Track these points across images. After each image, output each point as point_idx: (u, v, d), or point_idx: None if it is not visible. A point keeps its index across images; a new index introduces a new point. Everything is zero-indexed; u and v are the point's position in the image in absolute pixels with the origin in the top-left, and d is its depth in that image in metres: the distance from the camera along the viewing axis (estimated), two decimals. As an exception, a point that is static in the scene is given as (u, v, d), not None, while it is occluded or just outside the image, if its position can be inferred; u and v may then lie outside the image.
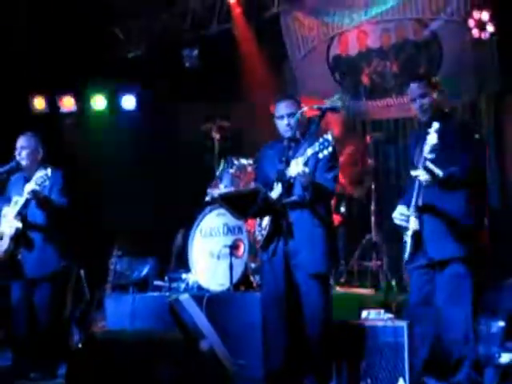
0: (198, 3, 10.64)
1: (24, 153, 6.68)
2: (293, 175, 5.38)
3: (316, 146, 5.19)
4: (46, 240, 6.62)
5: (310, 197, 5.50)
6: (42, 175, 6.25)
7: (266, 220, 5.68)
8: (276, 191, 5.56)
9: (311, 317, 5.54)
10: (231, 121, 8.58)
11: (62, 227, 6.72)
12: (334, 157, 5.56)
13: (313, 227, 5.58)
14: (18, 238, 6.50)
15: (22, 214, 6.49)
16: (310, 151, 5.25)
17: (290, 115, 5.66)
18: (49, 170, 6.27)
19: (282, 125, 5.72)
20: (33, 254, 6.59)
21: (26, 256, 6.58)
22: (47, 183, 6.31)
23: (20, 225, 6.46)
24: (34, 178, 6.28)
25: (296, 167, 5.31)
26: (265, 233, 5.67)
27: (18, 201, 6.46)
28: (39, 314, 6.59)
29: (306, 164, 5.32)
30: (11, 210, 6.50)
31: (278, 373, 5.60)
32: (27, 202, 6.42)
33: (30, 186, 6.27)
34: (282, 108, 5.75)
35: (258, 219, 5.78)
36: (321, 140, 5.19)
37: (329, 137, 5.17)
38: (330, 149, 5.16)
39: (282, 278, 5.52)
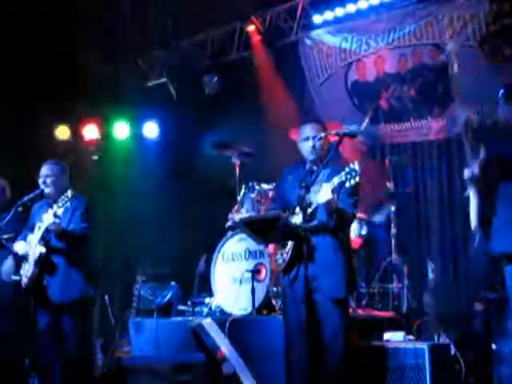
0: (217, 31, 10.83)
1: (49, 180, 6.69)
2: (320, 202, 5.38)
3: (343, 176, 5.19)
4: (70, 265, 6.60)
5: (334, 223, 5.55)
6: (62, 198, 6.28)
7: (289, 244, 5.69)
8: (298, 217, 5.58)
9: (330, 340, 5.57)
10: (251, 146, 8.65)
11: (85, 253, 6.72)
12: (358, 185, 5.51)
13: (333, 252, 5.61)
14: (42, 263, 6.50)
15: (45, 239, 6.50)
16: (336, 180, 5.24)
17: (316, 138, 5.70)
18: (69, 192, 6.29)
19: (307, 147, 5.74)
20: (57, 279, 6.57)
21: (50, 282, 6.57)
22: (68, 204, 6.30)
23: (44, 249, 6.46)
24: (56, 205, 6.28)
25: (325, 195, 5.31)
26: (287, 257, 5.69)
27: (40, 226, 6.47)
28: (65, 339, 6.55)
29: (332, 191, 5.33)
30: (35, 236, 6.52)
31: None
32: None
33: (50, 217, 6.30)
34: (308, 130, 5.77)
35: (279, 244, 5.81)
36: (347, 170, 5.18)
37: (356, 167, 5.15)
38: (357, 179, 5.16)
39: (303, 302, 5.51)
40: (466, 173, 5.27)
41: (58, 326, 6.57)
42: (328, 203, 5.35)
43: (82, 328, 6.65)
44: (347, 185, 5.20)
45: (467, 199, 5.38)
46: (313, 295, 5.57)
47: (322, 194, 5.33)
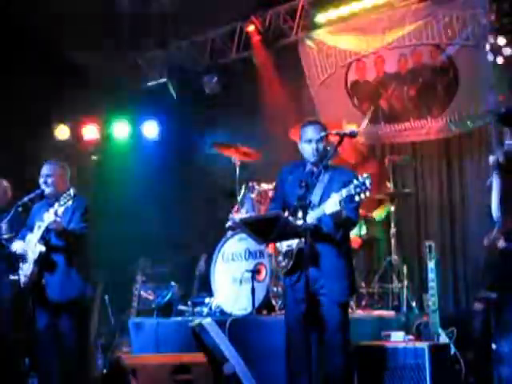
0: (217, 31, 10.88)
1: (50, 180, 6.70)
2: (328, 212, 5.34)
3: (352, 189, 5.16)
4: (69, 265, 6.60)
5: (340, 235, 5.58)
6: (65, 195, 6.30)
7: (294, 248, 5.66)
8: (301, 220, 5.48)
9: (331, 340, 5.57)
10: (251, 146, 8.64)
11: (85, 253, 6.72)
12: None
13: (335, 257, 5.60)
14: (42, 262, 6.50)
15: (45, 239, 6.52)
16: (345, 192, 5.21)
17: (319, 140, 5.66)
18: (71, 190, 6.31)
19: (309, 149, 5.69)
20: (56, 278, 6.57)
21: (49, 281, 6.57)
22: (70, 203, 6.32)
23: (43, 248, 6.47)
24: (58, 203, 6.30)
25: (334, 206, 5.28)
26: (291, 261, 5.65)
27: (41, 226, 6.48)
28: (64, 339, 6.54)
29: (340, 203, 5.29)
30: (35, 235, 6.53)
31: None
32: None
33: (51, 216, 6.32)
34: (311, 132, 5.72)
35: (280, 245, 5.78)
36: (356, 182, 5.15)
37: (366, 181, 5.12)
38: (368, 193, 5.14)
39: (304, 303, 5.51)
40: (491, 159, 5.27)
41: (57, 325, 6.57)
42: (336, 214, 5.34)
43: (80, 328, 6.64)
44: (356, 198, 5.17)
45: (489, 188, 5.40)
46: (315, 298, 5.56)
47: (330, 204, 5.30)
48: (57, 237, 6.52)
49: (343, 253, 5.65)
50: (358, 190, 5.13)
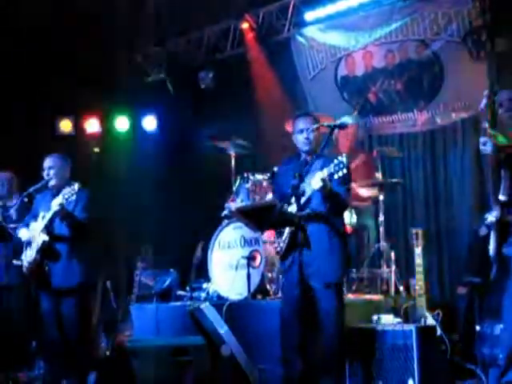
0: (212, 29, 11.08)
1: (52, 172, 6.86)
2: (315, 188, 5.57)
3: (331, 168, 5.40)
4: (72, 252, 6.77)
5: (328, 208, 5.76)
6: (69, 189, 6.44)
7: (286, 232, 5.85)
8: (293, 206, 5.75)
9: (326, 323, 5.78)
10: (246, 139, 8.83)
11: (87, 241, 6.89)
12: (348, 174, 5.66)
13: (329, 238, 5.80)
14: (45, 250, 6.68)
15: (48, 228, 6.68)
16: (325, 172, 5.46)
17: (310, 130, 5.92)
18: (76, 185, 6.46)
19: (301, 138, 5.95)
20: (59, 266, 6.74)
21: (52, 268, 6.74)
22: (74, 197, 6.49)
23: (47, 238, 6.64)
24: (62, 193, 6.47)
25: (319, 181, 5.50)
26: (284, 245, 5.87)
27: (45, 215, 6.65)
28: (67, 323, 6.73)
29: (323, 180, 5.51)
30: (39, 225, 6.71)
31: (295, 376, 5.85)
32: (54, 216, 6.62)
33: (58, 200, 6.48)
34: (303, 123, 5.99)
35: (277, 231, 5.97)
36: (336, 161, 5.38)
37: (343, 159, 5.37)
38: (345, 170, 5.38)
39: (299, 287, 5.78)
40: (490, 219, 5.50)
41: (60, 310, 6.76)
42: (323, 187, 5.52)
43: (82, 312, 6.83)
44: (336, 176, 5.42)
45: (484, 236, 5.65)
46: (310, 280, 5.78)
47: (315, 180, 5.54)
48: (62, 221, 6.67)
49: (336, 234, 5.83)
50: (336, 168, 5.37)
